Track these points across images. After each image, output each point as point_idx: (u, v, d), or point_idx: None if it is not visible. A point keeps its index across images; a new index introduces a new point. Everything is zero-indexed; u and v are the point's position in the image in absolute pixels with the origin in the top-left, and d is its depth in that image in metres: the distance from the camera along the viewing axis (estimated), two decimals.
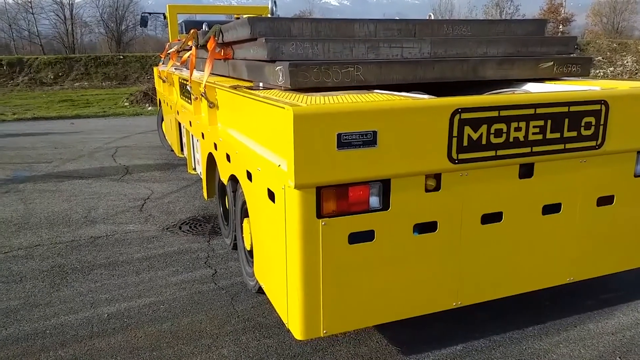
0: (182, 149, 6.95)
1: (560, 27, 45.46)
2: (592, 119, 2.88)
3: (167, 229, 5.14)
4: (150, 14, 12.14)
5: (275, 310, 3.01)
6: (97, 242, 4.77)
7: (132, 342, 3.13)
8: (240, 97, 3.30)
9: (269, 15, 3.82)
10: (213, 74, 4.41)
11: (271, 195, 2.71)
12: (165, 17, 10.35)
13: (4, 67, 24.02)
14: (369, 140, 2.42)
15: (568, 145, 2.87)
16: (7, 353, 3.04)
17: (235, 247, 4.26)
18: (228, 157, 3.69)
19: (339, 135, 2.36)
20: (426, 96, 2.79)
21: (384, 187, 2.56)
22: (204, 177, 4.88)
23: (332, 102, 2.47)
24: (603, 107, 2.89)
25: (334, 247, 2.51)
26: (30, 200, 6.12)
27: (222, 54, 4.18)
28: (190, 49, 5.26)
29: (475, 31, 3.84)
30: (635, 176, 3.18)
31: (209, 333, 3.22)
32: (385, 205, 2.58)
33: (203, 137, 4.64)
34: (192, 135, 5.77)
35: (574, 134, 2.86)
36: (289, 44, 3.08)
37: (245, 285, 3.84)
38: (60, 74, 24.50)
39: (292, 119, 2.27)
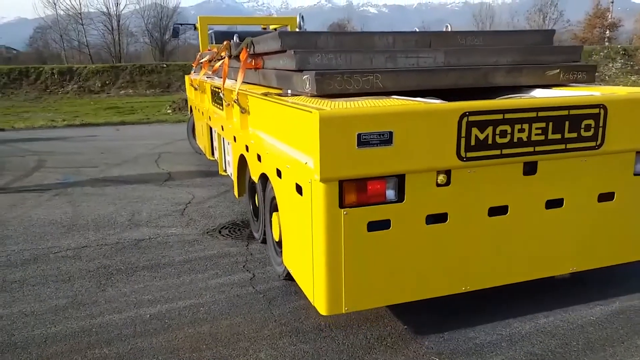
0: (212, 153, 7.35)
1: (607, 32, 43.89)
2: (591, 122, 3.12)
3: (207, 232, 5.25)
4: (181, 24, 12.56)
5: (308, 300, 3.19)
6: (140, 245, 4.93)
7: (172, 343, 3.21)
8: (270, 103, 3.63)
9: (297, 29, 4.07)
10: (244, 82, 4.72)
11: (299, 189, 3.05)
12: (195, 28, 10.84)
13: (55, 76, 25.14)
14: (385, 139, 2.73)
15: (569, 145, 3.12)
16: (56, 349, 3.17)
17: (264, 240, 4.62)
18: (259, 157, 4.07)
19: (358, 135, 2.67)
20: (437, 101, 3.06)
21: (399, 181, 2.85)
22: (234, 177, 5.25)
23: (353, 106, 2.78)
24: (602, 111, 3.13)
25: (354, 233, 2.82)
26: (78, 203, 6.37)
27: (252, 64, 4.53)
28: (223, 59, 5.61)
29: (487, 41, 4.13)
30: (635, 174, 3.39)
31: (247, 336, 3.26)
32: (400, 197, 2.88)
33: (235, 140, 5.01)
34: (224, 139, 6.09)
35: (574, 135, 3.11)
36: (315, 55, 3.43)
37: (283, 290, 3.88)
38: (107, 82, 25.44)
39: (318, 120, 2.60)
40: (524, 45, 4.13)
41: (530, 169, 3.12)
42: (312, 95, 3.31)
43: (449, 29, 4.26)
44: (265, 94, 3.81)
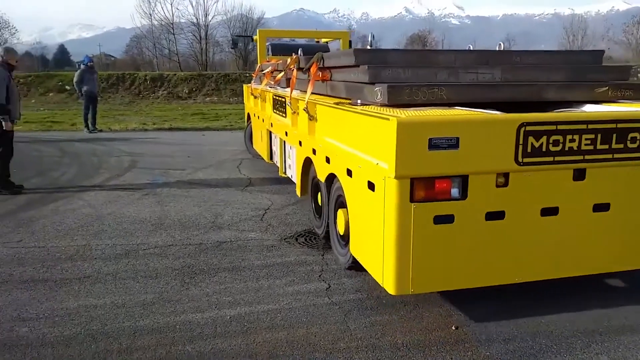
0: (271, 157, 7.92)
1: None
2: (637, 134, 3.43)
3: (284, 239, 5.35)
4: (240, 36, 13.13)
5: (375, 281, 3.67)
6: (222, 247, 5.11)
7: (251, 347, 3.28)
8: (344, 111, 4.05)
9: (369, 47, 4.52)
10: (302, 90, 5.35)
11: (371, 186, 3.45)
12: (253, 40, 11.41)
13: (148, 82, 26.87)
14: (452, 144, 3.10)
15: (616, 155, 3.42)
16: (144, 342, 3.35)
17: (326, 235, 5.05)
18: (327, 159, 4.54)
19: (429, 140, 3.06)
20: (498, 112, 3.38)
21: (463, 181, 3.22)
22: (298, 178, 5.80)
23: (425, 114, 3.20)
24: None
25: (422, 225, 3.20)
26: (165, 203, 6.73)
27: (320, 76, 5.03)
28: (285, 71, 6.28)
29: (540, 60, 4.51)
30: None
31: (323, 347, 3.27)
32: (463, 195, 3.24)
33: (300, 145, 5.53)
34: (286, 144, 6.60)
35: (621, 146, 3.41)
36: (386, 70, 3.86)
37: (358, 303, 3.87)
38: (194, 89, 26.81)
39: (395, 126, 3.01)
40: (575, 64, 4.51)
41: (579, 175, 3.44)
42: (383, 105, 3.64)
43: (502, 48, 4.74)
44: (338, 104, 4.25)
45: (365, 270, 3.97)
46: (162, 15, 50.35)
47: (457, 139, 3.10)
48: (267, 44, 10.48)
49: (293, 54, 6.04)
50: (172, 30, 50.26)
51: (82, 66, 14.13)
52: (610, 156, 3.40)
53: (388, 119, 3.11)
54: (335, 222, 4.65)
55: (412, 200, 3.14)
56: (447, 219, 3.23)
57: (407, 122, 3.04)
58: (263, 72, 8.16)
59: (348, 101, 4.33)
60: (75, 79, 14.12)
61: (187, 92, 26.48)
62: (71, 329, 3.49)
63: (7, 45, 9.78)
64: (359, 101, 4.05)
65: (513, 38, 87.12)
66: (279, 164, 7.26)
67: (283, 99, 6.42)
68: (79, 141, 12.31)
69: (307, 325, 3.56)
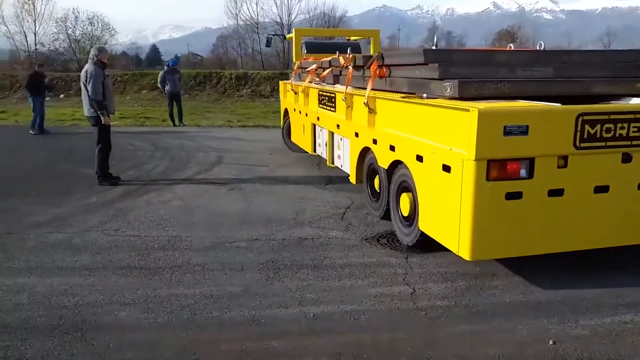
0: (314, 149, 8.39)
1: None
2: None
3: (366, 239, 5.28)
4: (273, 35, 13.21)
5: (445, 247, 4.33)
6: (304, 244, 5.13)
7: (335, 346, 3.25)
8: (416, 105, 4.56)
9: (434, 47, 5.04)
10: (356, 87, 6.11)
11: (446, 168, 3.98)
12: (285, 38, 11.35)
13: (232, 80, 27.80)
14: (523, 131, 3.65)
15: None
16: (231, 334, 3.42)
17: (384, 216, 5.65)
18: (392, 147, 5.04)
19: (504, 127, 3.61)
20: (558, 104, 3.91)
21: (530, 163, 3.76)
22: (352, 167, 6.36)
23: (499, 105, 3.77)
24: None
25: (495, 200, 3.74)
26: (250, 198, 6.90)
27: (378, 73, 5.46)
28: (334, 69, 7.11)
29: (587, 58, 5.01)
30: None
31: (410, 354, 3.17)
32: (530, 175, 3.78)
33: (357, 136, 6.08)
34: (335, 135, 7.22)
35: None
36: (454, 67, 4.35)
37: (446, 310, 3.73)
38: (275, 88, 27.34)
39: (477, 115, 3.54)
40: (617, 62, 4.97)
41: (627, 158, 3.98)
42: (452, 98, 4.09)
43: (542, 47, 5.09)
44: (405, 97, 4.80)
45: (430, 247, 4.70)
46: (248, 15, 52.04)
47: (527, 126, 3.64)
48: (301, 42, 10.81)
49: (337, 52, 6.94)
50: (256, 30, 51.77)
51: (165, 67, 15.32)
52: None
53: (468, 110, 3.62)
54: (397, 206, 5.17)
55: (487, 179, 3.67)
56: (517, 195, 3.77)
57: (486, 112, 3.58)
58: (305, 69, 8.58)
59: (412, 95, 4.77)
60: (158, 80, 15.44)
61: (269, 90, 27.08)
62: (164, 316, 3.65)
63: (100, 45, 10.54)
64: (424, 95, 4.51)
65: (614, 33, 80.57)
66: (325, 156, 7.77)
67: (333, 95, 6.95)
68: (169, 136, 12.97)
69: (392, 329, 3.47)
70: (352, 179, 6.43)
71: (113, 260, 4.70)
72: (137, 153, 10.52)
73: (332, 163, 7.56)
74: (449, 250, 4.07)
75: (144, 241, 5.20)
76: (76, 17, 44.86)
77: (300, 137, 9.18)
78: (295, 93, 9.36)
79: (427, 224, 4.49)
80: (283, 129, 10.84)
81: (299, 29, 11.25)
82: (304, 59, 9.71)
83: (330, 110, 7.19)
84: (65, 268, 4.53)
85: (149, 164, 9.33)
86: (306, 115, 8.61)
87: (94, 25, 45.52)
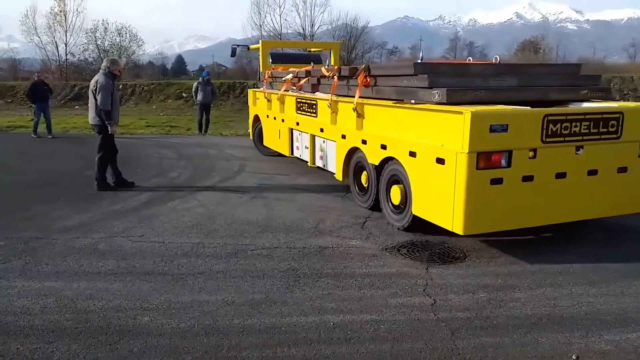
0: (292, 152, 9.02)
1: None
2: (615, 122, 5.07)
3: (386, 249, 5.28)
4: (238, 46, 13.91)
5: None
6: (324, 252, 5.16)
7: (354, 356, 3.26)
8: (409, 110, 5.40)
9: (419, 61, 5.85)
10: (339, 94, 6.96)
11: (440, 161, 4.83)
12: (249, 49, 12.74)
13: None
14: (504, 129, 4.55)
15: (602, 136, 5.04)
16: (251, 341, 3.46)
17: (372, 207, 6.50)
18: (383, 146, 5.89)
19: (490, 125, 4.50)
20: (529, 108, 4.81)
21: (509, 155, 4.66)
22: (338, 166, 7.15)
23: (484, 109, 4.65)
24: (621, 116, 5.09)
25: (482, 185, 4.61)
26: (271, 206, 6.96)
27: (363, 83, 6.22)
28: (307, 77, 8.05)
29: (539, 71, 6.58)
30: (639, 156, 5.33)
31: None
32: (509, 164, 4.68)
33: (344, 138, 6.87)
34: (317, 138, 7.92)
35: (605, 130, 5.04)
36: (440, 78, 5.23)
37: (466, 322, 3.70)
38: None
39: (470, 117, 4.42)
40: (565, 73, 6.22)
41: (578, 149, 4.96)
42: (438, 103, 4.94)
43: (498, 61, 6.00)
44: (397, 104, 5.63)
45: (419, 228, 5.59)
46: (271, 26, 52.59)
47: (507, 125, 4.55)
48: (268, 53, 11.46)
49: (301, 63, 8.23)
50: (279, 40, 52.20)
51: (200, 79, 15.93)
52: (598, 137, 5.02)
53: (462, 113, 4.50)
54: (388, 196, 5.99)
55: (477, 168, 4.53)
56: (499, 181, 4.66)
57: (477, 114, 4.46)
58: (278, 78, 9.42)
59: (400, 102, 5.60)
60: (193, 90, 16.02)
61: None
62: (186, 322, 3.71)
63: (112, 57, 10.97)
64: (412, 101, 5.35)
65: (639, 44, 78.84)
66: (305, 157, 8.42)
67: (314, 102, 7.73)
68: (194, 145, 13.17)
69: (412, 339, 3.46)
70: (338, 176, 7.20)
71: (137, 266, 4.79)
72: (162, 161, 10.71)
73: (314, 164, 8.20)
74: (470, 262, 4.07)
75: (168, 247, 5.30)
76: (105, 29, 45.90)
77: (275, 142, 9.77)
78: (269, 100, 9.99)
79: (421, 209, 5.29)
80: (254, 135, 11.44)
81: (266, 40, 12.49)
82: (273, 69, 10.38)
83: (311, 115, 7.94)
84: (91, 273, 4.64)
85: (174, 172, 9.49)
86: (282, 120, 9.22)
87: (122, 36, 46.57)
